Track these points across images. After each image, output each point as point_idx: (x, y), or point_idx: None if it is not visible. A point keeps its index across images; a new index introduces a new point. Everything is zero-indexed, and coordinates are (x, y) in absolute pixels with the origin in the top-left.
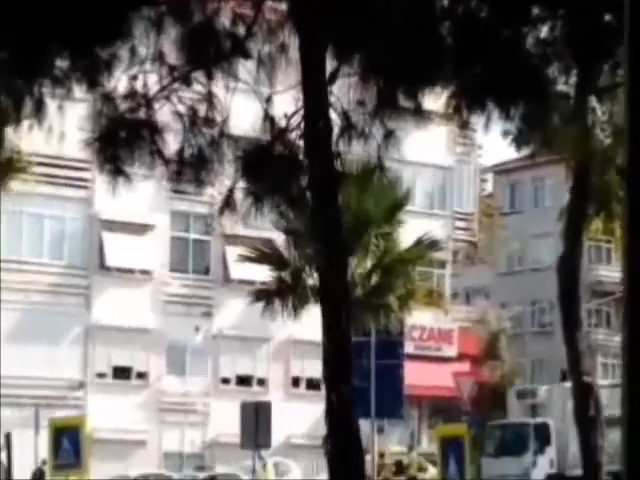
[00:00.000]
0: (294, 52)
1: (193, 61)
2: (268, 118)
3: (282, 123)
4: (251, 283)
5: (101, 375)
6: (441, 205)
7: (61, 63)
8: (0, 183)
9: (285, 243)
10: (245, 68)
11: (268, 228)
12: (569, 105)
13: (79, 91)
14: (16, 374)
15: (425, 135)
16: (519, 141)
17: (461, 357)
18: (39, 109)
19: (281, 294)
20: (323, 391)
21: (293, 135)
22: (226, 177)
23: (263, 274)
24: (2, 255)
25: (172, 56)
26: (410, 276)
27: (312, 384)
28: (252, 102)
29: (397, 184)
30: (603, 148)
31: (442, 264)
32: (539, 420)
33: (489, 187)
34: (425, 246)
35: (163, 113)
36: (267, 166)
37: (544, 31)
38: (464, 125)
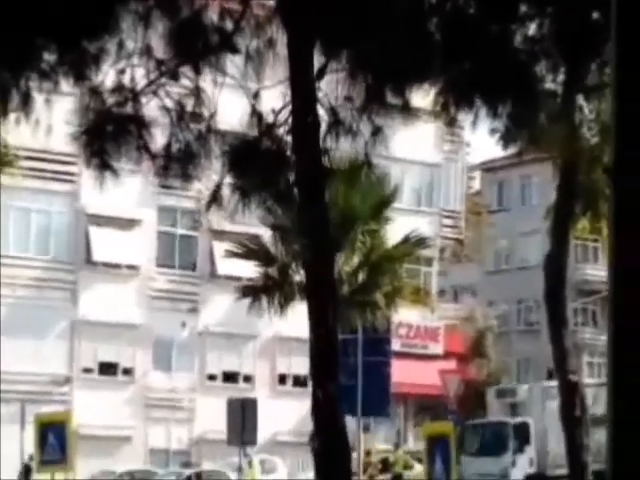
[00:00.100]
0: (282, 47)
1: (181, 55)
2: (256, 113)
3: (270, 118)
4: (238, 279)
5: (87, 370)
6: (428, 202)
7: (48, 57)
8: None
9: (272, 239)
10: (233, 63)
11: (255, 224)
12: (556, 103)
13: (66, 85)
14: (2, 369)
15: (413, 132)
16: (506, 139)
17: (448, 355)
18: (26, 102)
19: (268, 290)
20: (309, 388)
21: (281, 131)
22: (213, 172)
23: (250, 270)
24: None
25: (160, 50)
26: (397, 273)
27: (299, 381)
28: (240, 97)
29: (385, 181)
30: (590, 147)
31: (429, 262)
32: (519, 419)
33: (477, 185)
34: (412, 243)
35: (150, 107)
36: (254, 161)
37: (532, 29)
38: (452, 122)
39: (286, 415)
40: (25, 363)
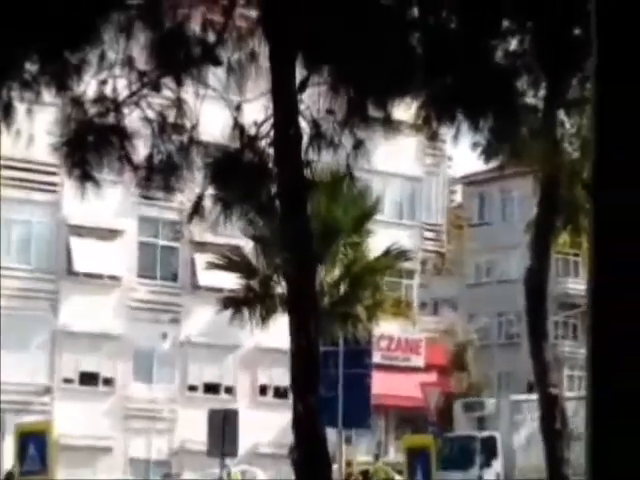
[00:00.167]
0: (264, 60)
1: (163, 67)
2: (238, 125)
3: (252, 131)
4: (219, 290)
5: (68, 381)
6: (410, 215)
7: (30, 67)
8: None
9: (254, 251)
10: (215, 75)
11: (237, 235)
12: (538, 118)
13: (48, 95)
14: None
15: (395, 145)
16: (488, 153)
17: (428, 368)
18: (8, 112)
19: (249, 302)
20: (290, 400)
21: (263, 143)
22: (195, 184)
23: (231, 282)
24: None
25: (142, 61)
26: (378, 286)
27: (279, 393)
28: (222, 109)
29: (366, 194)
30: (571, 161)
31: (410, 274)
32: (486, 433)
33: (458, 198)
34: (394, 256)
35: (132, 118)
36: (236, 174)
37: (513, 44)
38: (433, 136)
39: (267, 426)
40: (5, 373)
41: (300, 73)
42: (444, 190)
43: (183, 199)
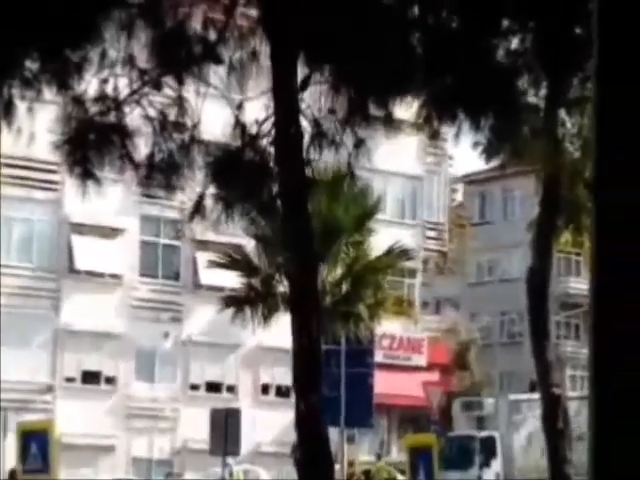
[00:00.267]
0: (265, 59)
1: (164, 65)
2: (239, 124)
3: (253, 129)
4: (221, 289)
5: (70, 379)
6: (412, 214)
7: (31, 65)
8: None
9: (255, 250)
10: (216, 74)
11: (239, 234)
12: (539, 117)
13: (49, 93)
14: None
15: (396, 144)
16: (489, 152)
17: (431, 367)
18: (8, 111)
19: (251, 301)
20: (293, 399)
21: (264, 142)
22: (196, 182)
23: (233, 280)
24: None
25: (143, 60)
26: (380, 285)
27: (282, 391)
28: (223, 108)
29: (368, 193)
30: (572, 160)
31: (412, 273)
32: (485, 433)
33: (459, 197)
34: (395, 255)
35: (133, 117)
36: (237, 172)
37: (514, 43)
38: (434, 135)
39: (269, 425)
40: (7, 372)
41: (301, 72)
42: (445, 189)
43: (184, 198)
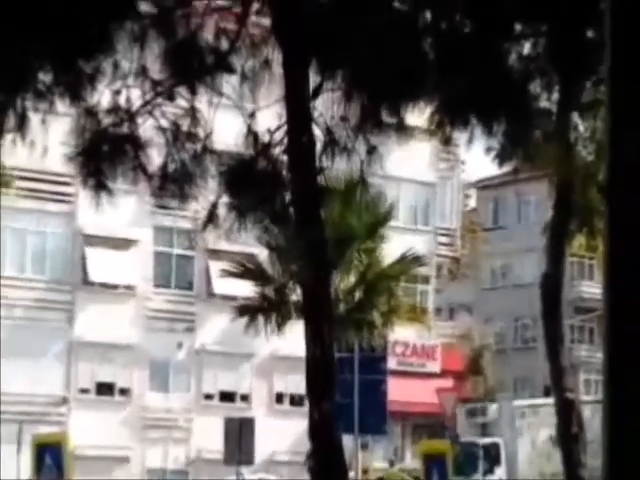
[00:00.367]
0: (277, 67)
1: (176, 76)
2: (251, 133)
3: (265, 138)
4: (234, 298)
5: (84, 391)
6: (424, 221)
7: (44, 77)
8: None
9: (269, 258)
10: (228, 83)
11: (252, 243)
12: (551, 121)
13: (62, 105)
14: None
15: (408, 151)
16: (502, 157)
17: (444, 373)
18: (22, 123)
19: (264, 310)
20: (307, 407)
21: (276, 150)
22: (209, 192)
23: (246, 289)
24: None
25: (155, 71)
26: (393, 292)
27: (295, 400)
28: (235, 117)
29: (380, 199)
30: (586, 164)
31: (425, 280)
32: (489, 440)
33: (472, 203)
34: (408, 262)
35: (146, 128)
36: (250, 181)
37: (527, 47)
38: (447, 141)
39: (283, 434)
40: (22, 384)
41: (313, 80)
42: (458, 195)
43: (197, 207)
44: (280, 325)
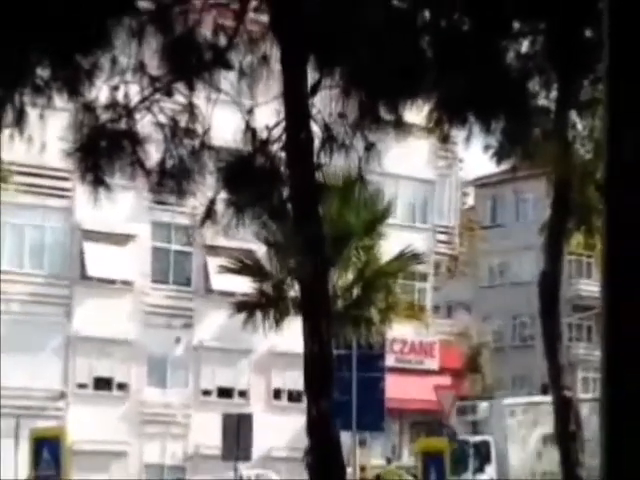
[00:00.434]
0: (276, 64)
1: (174, 72)
2: (249, 129)
3: (263, 135)
4: (232, 294)
5: (82, 386)
6: (422, 218)
7: (42, 72)
8: None
9: (266, 255)
10: (226, 79)
11: (250, 239)
12: (550, 119)
13: (60, 101)
14: None
15: (406, 148)
16: (500, 155)
17: (443, 371)
18: (20, 118)
19: (262, 306)
20: (304, 403)
21: (274, 147)
22: (207, 188)
23: (244, 285)
24: None
25: (153, 66)
26: (391, 289)
27: (293, 396)
28: (233, 113)
29: (378, 197)
30: (584, 162)
31: (423, 277)
32: (479, 438)
33: (470, 200)
34: (406, 259)
35: (144, 124)
36: (248, 177)
37: (525, 45)
38: (445, 139)
39: (281, 430)
40: (20, 378)
41: (311, 76)
42: (456, 192)
43: (195, 203)
44: (278, 321)
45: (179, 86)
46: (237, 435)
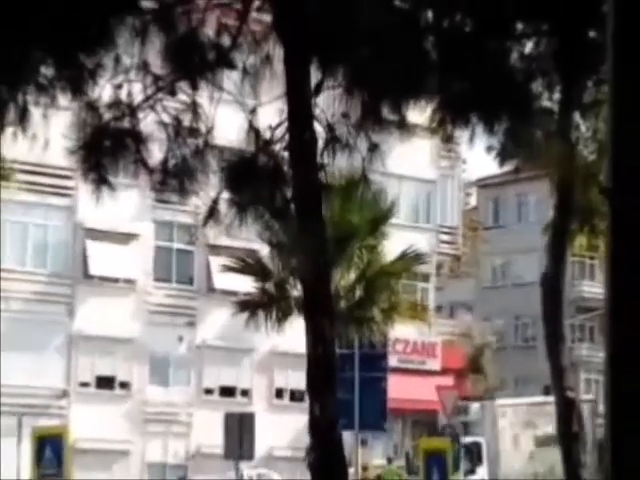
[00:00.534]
0: (279, 64)
1: (178, 71)
2: (253, 129)
3: (267, 134)
4: (235, 294)
5: (84, 384)
6: (425, 218)
7: (45, 71)
8: None
9: (269, 254)
10: (230, 79)
11: (252, 239)
12: (553, 121)
13: (63, 99)
14: None
15: (409, 148)
16: (503, 156)
17: (445, 371)
18: (23, 117)
19: (265, 305)
20: (307, 403)
21: (277, 146)
22: (210, 187)
23: (247, 285)
24: None
25: (157, 66)
26: (394, 289)
27: (296, 396)
28: (237, 113)
29: (381, 197)
30: (587, 164)
31: (426, 277)
32: (470, 439)
33: (473, 201)
34: (409, 259)
35: (147, 123)
36: (251, 177)
37: (528, 46)
38: (448, 139)
39: (283, 429)
40: (22, 377)
41: (315, 76)
42: (459, 193)
43: (198, 203)
44: (280, 321)
45: (182, 85)
46: (239, 434)
